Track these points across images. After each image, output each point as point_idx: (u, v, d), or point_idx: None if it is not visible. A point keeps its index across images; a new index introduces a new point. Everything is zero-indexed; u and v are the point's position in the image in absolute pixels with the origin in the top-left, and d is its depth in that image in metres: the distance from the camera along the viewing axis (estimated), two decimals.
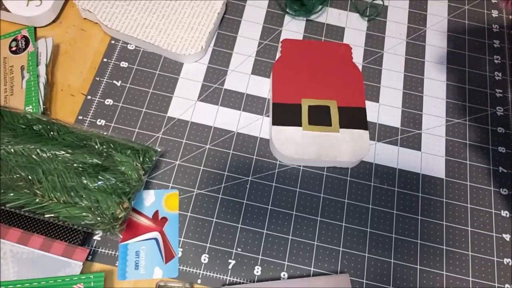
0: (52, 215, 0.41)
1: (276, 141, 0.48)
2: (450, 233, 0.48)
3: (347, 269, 0.46)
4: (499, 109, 0.55)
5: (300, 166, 0.50)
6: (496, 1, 0.47)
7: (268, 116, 0.52)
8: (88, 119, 0.50)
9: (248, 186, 0.48)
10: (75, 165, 0.44)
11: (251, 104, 0.53)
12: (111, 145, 0.46)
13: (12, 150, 0.44)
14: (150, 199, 0.47)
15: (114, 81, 0.52)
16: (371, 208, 0.48)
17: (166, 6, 0.55)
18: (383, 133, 0.52)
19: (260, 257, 0.45)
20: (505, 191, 0.50)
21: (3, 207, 0.42)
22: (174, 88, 0.53)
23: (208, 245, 0.45)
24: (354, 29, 0.59)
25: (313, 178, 0.49)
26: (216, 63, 0.55)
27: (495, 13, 0.62)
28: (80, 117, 0.50)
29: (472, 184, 0.50)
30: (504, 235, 0.48)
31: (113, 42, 0.54)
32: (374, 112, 0.53)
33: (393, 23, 0.60)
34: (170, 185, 0.48)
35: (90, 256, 0.44)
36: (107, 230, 0.42)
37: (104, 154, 0.45)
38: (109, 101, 0.51)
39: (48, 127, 0.46)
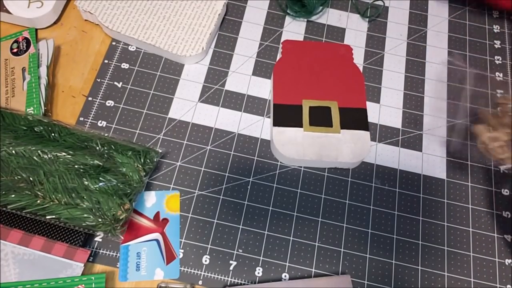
0: (53, 216, 0.41)
1: (277, 142, 0.48)
2: (452, 233, 0.48)
3: (348, 270, 0.45)
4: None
5: (301, 167, 0.50)
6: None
7: (269, 117, 0.52)
8: (89, 120, 0.50)
9: (249, 187, 0.48)
10: (76, 166, 0.44)
11: (252, 105, 0.53)
12: (112, 146, 0.46)
13: (13, 151, 0.44)
14: (151, 200, 0.47)
15: (115, 83, 0.52)
16: (372, 209, 0.48)
17: (167, 8, 0.55)
18: (384, 134, 0.52)
19: (261, 258, 0.45)
20: (506, 192, 0.50)
21: (4, 209, 0.42)
22: (175, 89, 0.53)
23: (209, 246, 0.45)
24: (354, 30, 0.59)
25: (314, 179, 0.49)
26: (217, 64, 0.55)
27: (495, 14, 0.62)
28: (81, 119, 0.50)
29: (473, 185, 0.50)
30: (505, 236, 0.48)
31: (114, 43, 0.55)
32: (375, 113, 0.53)
33: (393, 24, 0.60)
34: (171, 186, 0.48)
35: (91, 258, 0.44)
36: (108, 231, 0.42)
37: (105, 155, 0.45)
38: (110, 103, 0.51)
39: (49, 128, 0.46)
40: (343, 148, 0.49)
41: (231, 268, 0.45)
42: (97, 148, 0.46)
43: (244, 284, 0.44)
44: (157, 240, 0.45)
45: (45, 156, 0.44)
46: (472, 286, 0.45)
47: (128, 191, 0.44)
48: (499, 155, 0.44)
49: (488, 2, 0.59)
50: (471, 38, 0.59)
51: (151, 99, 0.52)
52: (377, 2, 0.61)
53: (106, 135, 0.47)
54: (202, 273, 0.44)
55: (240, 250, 0.45)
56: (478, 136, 0.46)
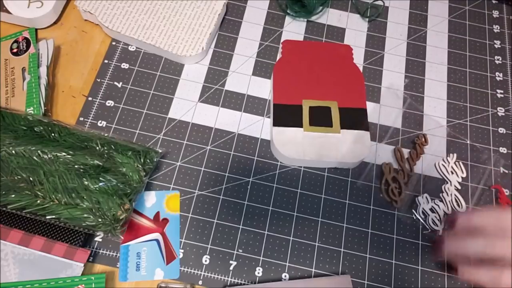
0: (53, 216, 0.41)
1: (277, 142, 0.48)
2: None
3: (348, 270, 0.45)
4: (500, 110, 0.55)
5: (301, 167, 0.50)
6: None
7: (269, 117, 0.52)
8: (89, 120, 0.50)
9: (249, 187, 0.48)
10: (76, 166, 0.44)
11: (252, 105, 0.53)
12: (112, 146, 0.46)
13: (13, 151, 0.44)
14: (151, 200, 0.47)
15: (115, 83, 0.52)
16: (372, 209, 0.48)
17: (167, 8, 0.55)
18: (384, 134, 0.52)
19: (261, 258, 0.45)
20: (506, 192, 0.50)
21: (4, 209, 0.42)
22: (175, 90, 0.53)
23: (209, 246, 0.45)
24: (354, 30, 0.59)
25: (314, 179, 0.49)
26: (217, 64, 0.55)
27: (495, 14, 0.62)
28: (81, 119, 0.50)
29: (473, 185, 0.50)
30: None
31: (114, 43, 0.55)
32: (375, 113, 0.53)
33: (393, 24, 0.60)
34: (171, 186, 0.48)
35: (91, 258, 0.44)
36: (108, 232, 0.42)
37: (105, 155, 0.45)
38: (110, 103, 0.51)
39: (49, 128, 0.46)
40: (343, 148, 0.49)
41: (231, 268, 0.45)
42: (97, 148, 0.46)
43: (244, 284, 0.44)
44: (157, 240, 0.45)
45: (45, 156, 0.44)
46: (472, 286, 0.45)
47: (128, 191, 0.44)
48: (393, 197, 0.48)
49: None
50: (471, 38, 0.59)
51: (151, 99, 0.52)
52: (377, 2, 0.61)
53: (106, 135, 0.47)
54: (202, 273, 0.44)
55: (240, 250, 0.45)
56: (384, 175, 0.49)
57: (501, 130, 0.54)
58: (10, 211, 0.42)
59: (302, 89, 0.51)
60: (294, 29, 0.58)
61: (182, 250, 0.45)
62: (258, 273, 0.45)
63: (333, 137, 0.49)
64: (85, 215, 0.41)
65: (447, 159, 0.50)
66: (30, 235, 0.42)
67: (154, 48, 0.53)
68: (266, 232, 0.46)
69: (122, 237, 0.44)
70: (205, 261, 0.45)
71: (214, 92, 0.53)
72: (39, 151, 0.44)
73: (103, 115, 0.50)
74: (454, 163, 0.49)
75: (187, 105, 0.52)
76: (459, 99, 0.55)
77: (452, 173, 0.49)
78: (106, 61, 0.53)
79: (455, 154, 0.50)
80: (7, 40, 0.52)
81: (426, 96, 0.55)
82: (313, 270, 0.45)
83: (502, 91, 0.56)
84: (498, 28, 0.61)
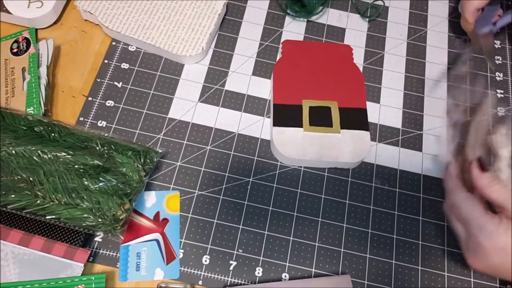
0: (53, 216, 0.41)
1: (277, 142, 0.48)
2: (451, 233, 0.48)
3: (348, 270, 0.45)
4: (500, 110, 0.55)
5: (301, 167, 0.50)
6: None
7: (269, 117, 0.52)
8: (89, 120, 0.50)
9: (249, 187, 0.48)
10: (76, 166, 0.44)
11: (252, 105, 0.53)
12: (112, 146, 0.46)
13: (13, 151, 0.44)
14: (151, 201, 0.47)
15: (115, 83, 0.52)
16: (372, 209, 0.48)
17: (167, 8, 0.55)
18: (384, 134, 0.52)
19: (261, 258, 0.45)
20: None
21: (4, 209, 0.42)
22: (175, 90, 0.53)
23: (209, 246, 0.45)
24: (354, 30, 0.59)
25: (314, 179, 0.49)
26: (217, 64, 0.55)
27: None
28: (81, 119, 0.50)
29: None
30: None
31: (114, 43, 0.55)
32: (375, 113, 0.53)
33: (393, 24, 0.60)
34: (171, 186, 0.48)
35: (91, 258, 0.44)
36: (108, 232, 0.42)
37: (105, 155, 0.45)
38: (110, 103, 0.51)
39: (49, 128, 0.46)
40: (343, 148, 0.49)
41: (231, 268, 0.45)
42: (97, 148, 0.46)
43: (244, 284, 0.44)
44: (157, 240, 0.45)
45: (45, 156, 0.44)
46: (472, 286, 0.45)
47: (128, 191, 0.44)
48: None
49: None
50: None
51: (151, 99, 0.52)
52: (377, 2, 0.61)
53: (106, 135, 0.47)
54: (202, 273, 0.44)
55: (240, 250, 0.45)
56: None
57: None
58: (10, 211, 0.42)
59: (302, 89, 0.51)
60: (294, 29, 0.58)
61: (182, 250, 0.45)
62: (258, 273, 0.45)
63: (333, 137, 0.49)
64: (85, 215, 0.41)
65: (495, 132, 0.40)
66: (30, 235, 0.42)
67: (154, 48, 0.53)
68: (266, 232, 0.46)
69: (122, 237, 0.44)
70: (205, 261, 0.45)
71: (214, 92, 0.53)
72: (39, 151, 0.44)
73: (103, 115, 0.50)
74: (501, 135, 0.40)
75: (187, 105, 0.52)
76: (459, 99, 0.55)
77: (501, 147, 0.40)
78: (106, 61, 0.53)
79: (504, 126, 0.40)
80: (7, 40, 0.52)
81: (426, 96, 0.55)
82: (313, 270, 0.45)
83: (502, 91, 0.56)
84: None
